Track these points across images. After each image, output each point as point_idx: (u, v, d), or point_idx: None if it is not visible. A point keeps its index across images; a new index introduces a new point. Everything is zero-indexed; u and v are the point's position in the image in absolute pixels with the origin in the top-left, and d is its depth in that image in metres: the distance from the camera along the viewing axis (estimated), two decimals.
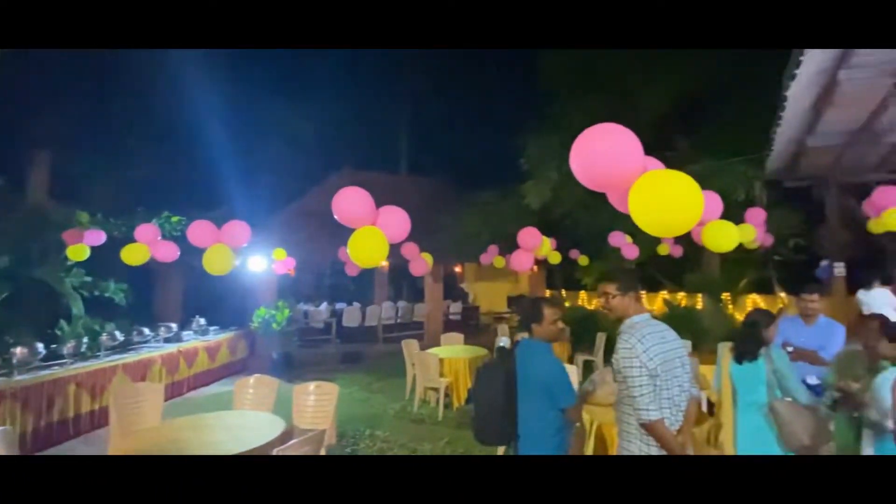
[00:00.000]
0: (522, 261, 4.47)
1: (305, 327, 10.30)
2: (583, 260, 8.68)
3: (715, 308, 7.44)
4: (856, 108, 4.26)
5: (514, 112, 11.35)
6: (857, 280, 5.07)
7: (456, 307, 12.66)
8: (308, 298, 12.67)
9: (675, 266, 8.61)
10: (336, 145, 15.39)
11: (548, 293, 13.65)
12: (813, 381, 2.87)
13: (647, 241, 6.98)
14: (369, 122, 16.96)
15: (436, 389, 5.35)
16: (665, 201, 1.42)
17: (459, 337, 7.03)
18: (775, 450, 2.38)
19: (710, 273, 7.73)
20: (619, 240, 5.78)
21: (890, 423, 2.03)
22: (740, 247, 6.13)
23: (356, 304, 11.14)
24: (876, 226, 4.48)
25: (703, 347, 5.73)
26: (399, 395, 5.98)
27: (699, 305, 7.91)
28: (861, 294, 4.60)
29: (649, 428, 1.80)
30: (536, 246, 4.48)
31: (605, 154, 1.48)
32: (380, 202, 2.68)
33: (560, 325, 2.23)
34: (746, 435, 2.54)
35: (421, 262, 5.07)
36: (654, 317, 2.08)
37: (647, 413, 1.79)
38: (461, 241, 8.85)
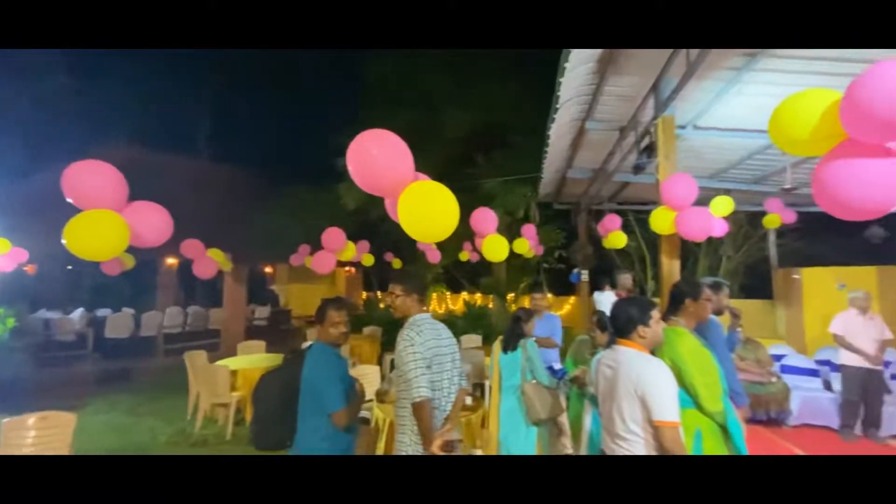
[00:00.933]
0: (324, 262, 4.34)
1: (47, 340, 7.96)
2: (396, 263, 9.03)
3: (501, 307, 8.68)
4: (596, 152, 5.52)
5: (335, 111, 11.16)
6: (594, 284, 6.58)
7: (263, 311, 11.61)
8: (54, 303, 9.82)
9: (474, 270, 9.73)
10: (112, 116, 12.48)
11: (364, 295, 13.75)
12: (557, 366, 3.56)
13: (451, 248, 7.71)
14: (162, 99, 14.32)
15: (225, 405, 4.75)
16: (427, 210, 1.55)
17: (261, 345, 6.46)
18: (524, 428, 2.85)
19: (499, 277, 8.97)
20: (425, 244, 6.21)
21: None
22: (520, 255, 7.34)
23: (126, 311, 9.14)
24: (607, 243, 5.89)
25: (492, 340, 6.57)
26: (175, 417, 5.10)
27: (491, 305, 9.12)
28: (595, 294, 5.96)
29: (416, 407, 1.92)
30: (340, 248, 4.42)
31: (378, 159, 1.53)
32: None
33: (343, 328, 2.21)
34: (504, 414, 2.98)
35: (207, 262, 4.43)
36: (436, 317, 2.27)
37: (419, 391, 1.91)
38: (270, 239, 8.17)
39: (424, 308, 2.25)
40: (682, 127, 4.58)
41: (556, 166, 6.14)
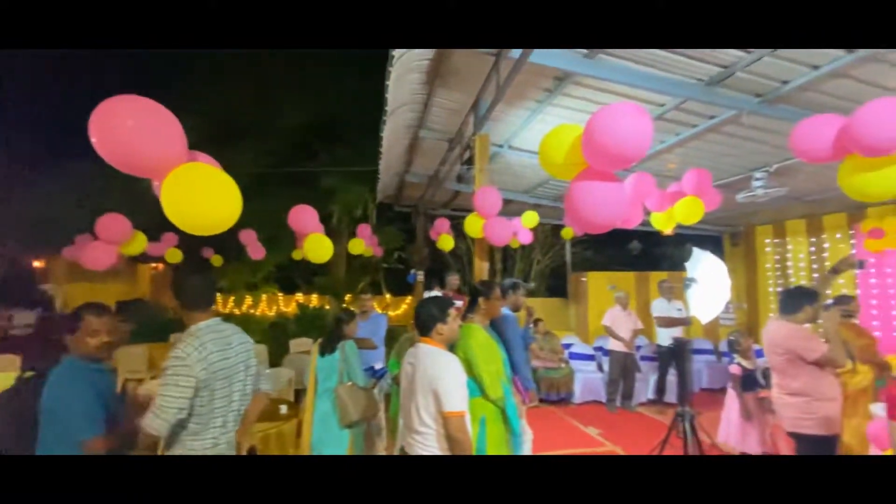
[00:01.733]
0: (98, 256, 3.54)
1: None
2: (216, 260, 8.01)
3: (339, 308, 8.47)
4: (430, 159, 5.80)
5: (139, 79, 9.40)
6: (427, 285, 6.92)
7: (25, 317, 9.03)
8: None
9: (311, 270, 9.27)
10: None
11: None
12: (378, 366, 3.58)
13: (286, 244, 7.20)
14: None
15: None
16: (197, 197, 1.37)
17: (14, 360, 4.98)
18: (337, 431, 2.78)
19: (337, 277, 8.74)
20: (249, 238, 5.63)
21: None
22: (360, 255, 7.26)
23: None
24: (439, 245, 6.24)
25: None
26: None
27: (328, 306, 8.82)
28: (425, 294, 6.26)
29: (144, 433, 1.67)
30: (121, 238, 3.64)
31: (135, 133, 1.28)
32: None
33: (105, 337, 1.81)
34: (318, 419, 2.86)
35: None
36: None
37: (155, 421, 1.64)
38: (42, 225, 6.39)
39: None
40: (500, 146, 5.14)
41: (394, 169, 6.25)
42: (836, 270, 3.33)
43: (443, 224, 5.83)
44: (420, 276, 7.82)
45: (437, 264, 8.19)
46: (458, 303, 3.19)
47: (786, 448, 3.26)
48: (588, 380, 6.19)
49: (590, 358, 6.75)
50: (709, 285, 3.96)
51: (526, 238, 5.42)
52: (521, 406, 2.75)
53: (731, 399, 4.29)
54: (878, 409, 3.31)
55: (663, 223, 3.91)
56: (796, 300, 2.81)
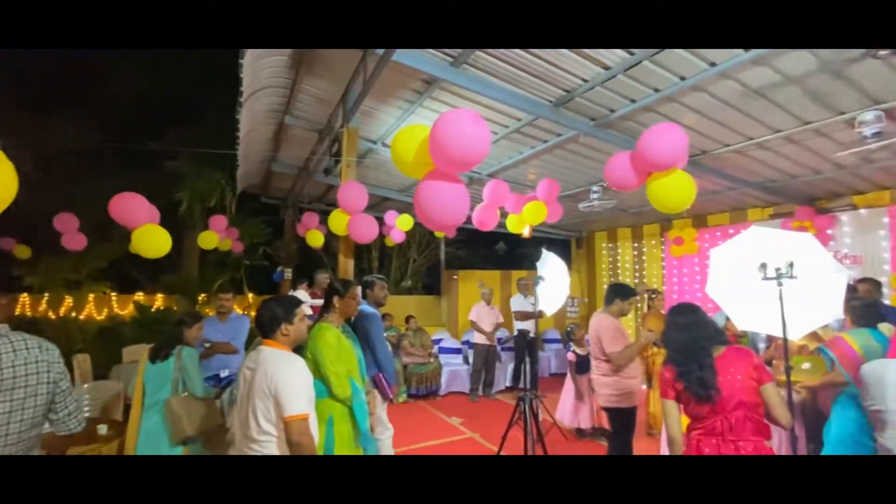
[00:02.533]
0: None
1: None
2: (22, 251, 6.45)
3: (191, 309, 7.50)
4: (300, 149, 5.48)
5: None
6: (294, 283, 6.53)
7: None
8: None
9: (156, 266, 8.03)
10: None
11: None
12: (225, 373, 3.26)
13: (121, 236, 6.11)
14: None
15: None
16: None
17: None
18: (167, 448, 2.46)
19: (188, 274, 7.74)
20: (66, 224, 4.63)
21: None
22: (216, 250, 6.52)
23: None
24: (308, 241, 5.93)
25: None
26: None
27: (176, 307, 7.75)
28: (290, 294, 5.91)
29: None
30: None
31: None
32: None
33: None
34: (144, 436, 2.50)
35: None
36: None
37: None
38: None
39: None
40: (374, 142, 5.10)
41: (257, 156, 5.76)
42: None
43: (311, 219, 5.57)
44: (288, 273, 7.36)
45: (310, 262, 7.79)
46: (319, 302, 3.08)
47: (607, 422, 3.83)
48: (454, 372, 6.51)
49: (457, 351, 7.11)
50: (554, 282, 4.48)
51: (398, 237, 5.47)
52: (374, 403, 2.76)
53: (568, 382, 4.93)
54: None
55: (516, 226, 4.30)
56: (610, 295, 3.36)
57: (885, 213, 4.92)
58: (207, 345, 3.28)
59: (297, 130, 5.08)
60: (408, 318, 6.61)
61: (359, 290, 2.61)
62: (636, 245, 7.83)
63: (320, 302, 2.73)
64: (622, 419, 3.17)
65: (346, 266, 3.47)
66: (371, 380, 2.95)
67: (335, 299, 2.35)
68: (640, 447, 4.47)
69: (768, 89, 3.08)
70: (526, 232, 4.90)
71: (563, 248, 9.31)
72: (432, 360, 6.27)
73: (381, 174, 5.98)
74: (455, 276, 8.61)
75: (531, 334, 6.00)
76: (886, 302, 4.61)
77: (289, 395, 1.73)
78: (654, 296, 5.20)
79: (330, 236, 6.00)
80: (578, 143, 4.25)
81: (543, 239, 8.93)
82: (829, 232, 5.27)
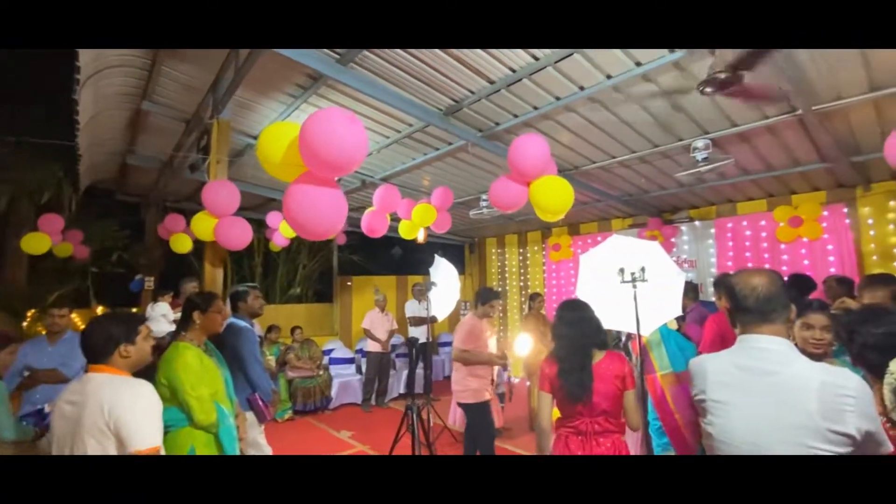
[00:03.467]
0: None
1: None
2: None
3: (16, 328, 6.08)
4: (163, 140, 4.79)
5: None
6: (156, 294, 5.69)
7: None
8: None
9: None
10: None
11: None
12: (50, 408, 2.67)
13: None
14: None
15: None
16: None
17: None
18: None
19: (14, 286, 6.28)
20: None
21: None
22: (53, 256, 5.38)
23: None
24: (173, 246, 5.20)
25: None
26: None
27: None
28: (148, 308, 5.14)
29: None
30: None
31: None
32: None
33: None
34: None
35: None
36: None
37: None
38: None
39: None
40: (254, 137, 4.67)
41: (108, 147, 4.91)
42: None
43: (176, 221, 4.90)
44: (149, 282, 6.40)
45: (173, 268, 6.85)
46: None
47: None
48: (345, 384, 6.26)
49: (349, 361, 6.85)
50: (445, 288, 4.55)
51: (282, 241, 5.08)
52: (244, 427, 2.48)
53: None
54: None
55: (408, 231, 4.27)
56: (475, 299, 3.61)
57: (713, 224, 5.93)
58: (27, 373, 2.66)
59: (159, 119, 4.43)
60: (293, 330, 6.18)
61: (222, 302, 2.32)
62: (521, 251, 8.38)
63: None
64: (472, 414, 3.46)
65: (214, 276, 3.08)
66: (245, 401, 2.66)
67: (195, 314, 2.05)
68: (523, 442, 4.75)
69: (627, 114, 3.50)
70: (420, 237, 4.91)
71: (457, 253, 9.58)
72: (321, 372, 5.94)
73: (264, 172, 5.50)
74: (349, 283, 8.32)
75: (424, 339, 6.02)
76: (712, 299, 5.54)
77: (135, 426, 1.45)
78: (534, 299, 5.57)
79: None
80: (468, 153, 4.38)
81: (439, 244, 9.09)
82: (672, 240, 6.19)
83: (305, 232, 1.57)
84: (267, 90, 3.72)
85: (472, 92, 3.38)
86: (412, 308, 6.49)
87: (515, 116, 3.67)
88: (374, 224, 3.53)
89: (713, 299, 4.45)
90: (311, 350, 6.05)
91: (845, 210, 4.89)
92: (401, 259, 9.02)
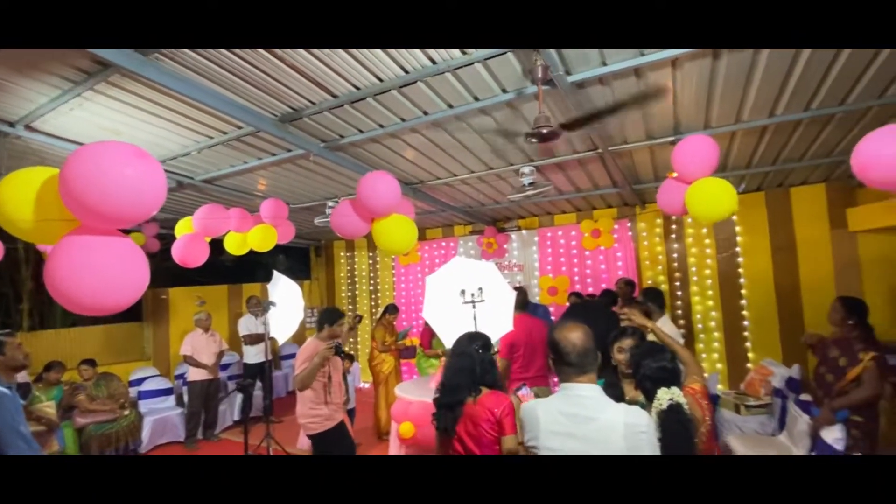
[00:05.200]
0: None
1: None
2: None
3: None
4: None
5: None
6: None
7: None
8: None
9: None
10: None
11: None
12: None
13: None
14: None
15: None
16: None
17: None
18: None
19: None
20: None
21: None
22: None
23: None
24: None
25: None
26: None
27: None
28: None
29: None
30: None
31: None
32: None
33: None
34: None
35: None
36: None
37: None
38: None
39: None
40: (11, 124, 3.52)
41: None
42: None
43: None
44: None
45: None
46: None
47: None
48: (163, 420, 5.30)
49: (166, 393, 5.81)
50: (286, 307, 4.18)
51: None
52: None
53: None
54: (399, 390, 4.46)
55: (236, 247, 3.78)
56: (319, 321, 3.35)
57: (536, 233, 6.77)
58: None
59: None
60: (80, 364, 4.93)
61: None
62: (371, 254, 8.28)
63: None
64: (326, 444, 3.19)
65: None
66: None
67: None
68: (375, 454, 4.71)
69: (467, 140, 3.70)
70: (241, 252, 4.42)
71: (301, 257, 8.97)
72: (126, 412, 4.89)
73: (26, 164, 4.21)
74: (164, 296, 7.02)
75: (263, 359, 5.47)
76: (537, 300, 6.35)
77: None
78: (391, 311, 5.52)
79: None
80: (311, 161, 4.08)
81: (281, 247, 8.36)
82: (504, 246, 6.87)
83: (88, 306, 1.18)
84: (31, 69, 2.81)
85: (312, 102, 3.12)
86: (248, 324, 5.82)
87: (361, 132, 3.54)
88: (190, 253, 2.99)
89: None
90: (111, 386, 4.92)
91: (629, 224, 6.12)
92: (233, 265, 8.00)
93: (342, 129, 3.50)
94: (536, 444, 1.41)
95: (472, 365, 1.98)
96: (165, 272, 7.78)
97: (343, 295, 8.60)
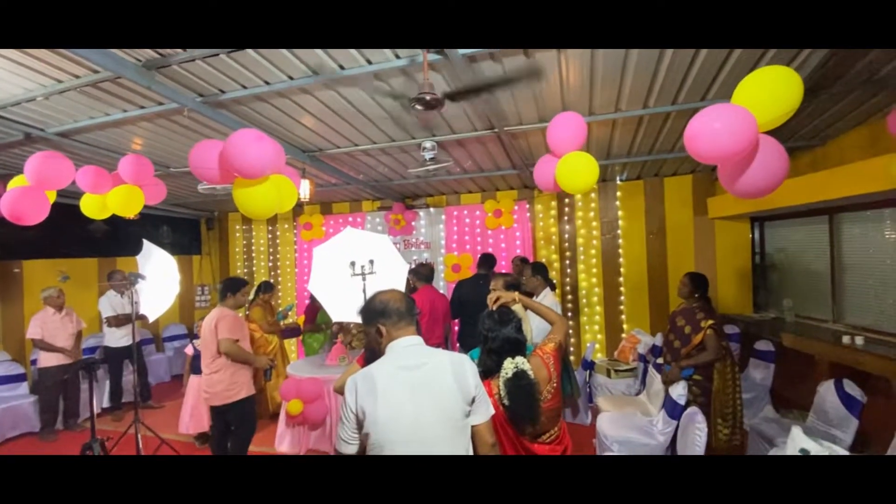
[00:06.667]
0: None
1: None
2: None
3: None
4: None
5: None
6: None
7: None
8: None
9: None
10: None
11: None
12: None
13: None
14: None
15: None
16: None
17: None
18: None
19: None
20: None
21: None
22: None
23: None
24: None
25: None
26: None
27: None
28: None
29: None
30: None
31: None
32: None
33: None
34: None
35: None
36: None
37: None
38: None
39: None
40: None
41: None
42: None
43: None
44: None
45: None
46: None
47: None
48: (14, 410, 4.58)
49: (18, 379, 5.03)
50: (158, 282, 3.77)
51: None
52: None
53: (191, 382, 4.31)
54: (291, 368, 4.30)
55: (95, 211, 3.31)
56: (222, 291, 3.19)
57: (444, 211, 6.85)
58: None
59: None
60: None
61: None
62: (271, 228, 7.80)
63: None
64: (242, 409, 3.21)
65: None
66: None
67: None
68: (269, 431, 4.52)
69: (364, 107, 3.56)
70: (99, 218, 3.89)
71: (190, 229, 8.16)
72: None
73: None
74: (17, 269, 5.98)
75: (129, 342, 4.91)
76: (441, 277, 6.46)
77: None
78: (266, 289, 5.18)
79: None
80: (187, 118, 3.66)
81: (164, 217, 7.52)
82: (412, 223, 6.87)
83: None
84: None
85: (182, 49, 2.77)
86: (112, 303, 5.16)
87: (244, 87, 3.24)
88: (23, 205, 2.54)
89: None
90: None
91: (527, 206, 6.44)
92: (106, 235, 7.00)
93: (222, 83, 3.17)
94: (374, 405, 1.37)
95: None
96: (19, 242, 6.59)
97: (239, 271, 8.01)
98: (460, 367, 1.48)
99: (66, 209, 4.41)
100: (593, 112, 3.76)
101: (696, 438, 2.74)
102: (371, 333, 1.53)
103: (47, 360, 4.53)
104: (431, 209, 6.88)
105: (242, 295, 3.41)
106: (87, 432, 4.85)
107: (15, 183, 2.93)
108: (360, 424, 1.40)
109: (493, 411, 1.54)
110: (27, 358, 5.58)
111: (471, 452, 1.46)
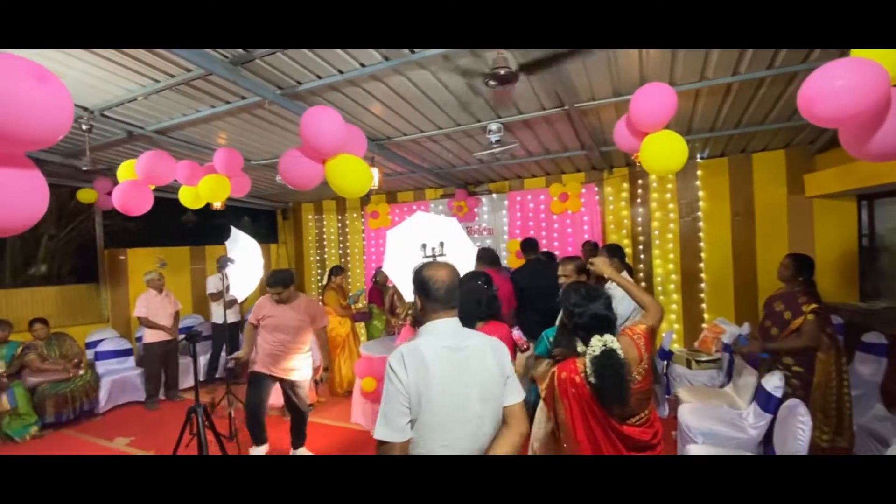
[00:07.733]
0: None
1: None
2: None
3: None
4: None
5: None
6: None
7: None
8: None
9: None
10: None
11: None
12: None
13: None
14: None
15: None
16: None
17: None
18: None
19: None
20: None
21: None
22: None
23: None
24: None
25: None
26: None
27: None
28: None
29: None
30: None
31: None
32: None
33: None
34: None
35: None
36: None
37: None
38: None
39: None
40: None
41: None
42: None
43: None
44: None
45: None
46: None
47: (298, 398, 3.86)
48: (121, 381, 5.19)
49: (126, 354, 5.67)
50: (244, 265, 4.06)
51: None
52: None
53: None
54: (364, 349, 4.47)
55: (191, 201, 3.62)
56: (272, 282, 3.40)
57: (506, 197, 6.75)
58: None
59: None
60: (32, 323, 4.73)
61: None
62: (340, 217, 8.12)
63: None
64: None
65: None
66: None
67: None
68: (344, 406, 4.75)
69: (431, 91, 3.57)
70: (217, 204, 4.23)
71: (268, 220, 8.72)
72: (81, 372, 4.75)
73: None
74: (122, 256, 6.74)
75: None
76: (505, 263, 6.40)
77: None
78: (337, 273, 5.42)
79: None
80: (268, 111, 3.88)
81: (245, 209, 8.09)
82: (475, 210, 6.84)
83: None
84: None
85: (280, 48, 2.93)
86: (215, 283, 5.67)
87: (319, 78, 3.36)
88: (131, 201, 2.82)
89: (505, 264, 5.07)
90: (64, 346, 4.75)
91: (596, 189, 6.16)
92: (196, 226, 7.71)
93: (299, 74, 3.32)
94: (427, 381, 1.33)
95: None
96: (124, 232, 7.44)
97: (312, 259, 8.46)
98: (499, 349, 1.50)
99: (161, 202, 4.88)
100: (674, 82, 3.49)
101: (798, 433, 2.49)
102: (414, 301, 1.54)
103: (151, 336, 5.09)
104: (494, 195, 6.80)
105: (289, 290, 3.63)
106: (185, 402, 5.41)
107: (124, 171, 3.27)
108: (408, 404, 1.30)
109: (524, 393, 1.55)
110: (133, 335, 6.30)
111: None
